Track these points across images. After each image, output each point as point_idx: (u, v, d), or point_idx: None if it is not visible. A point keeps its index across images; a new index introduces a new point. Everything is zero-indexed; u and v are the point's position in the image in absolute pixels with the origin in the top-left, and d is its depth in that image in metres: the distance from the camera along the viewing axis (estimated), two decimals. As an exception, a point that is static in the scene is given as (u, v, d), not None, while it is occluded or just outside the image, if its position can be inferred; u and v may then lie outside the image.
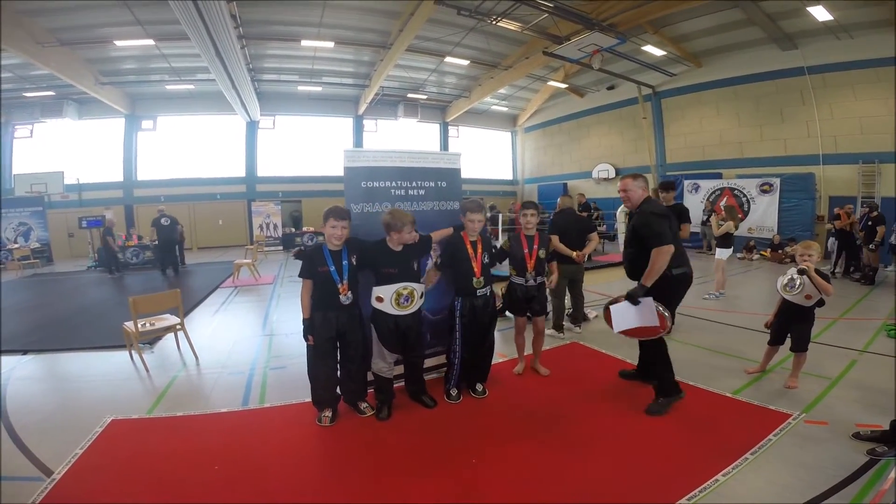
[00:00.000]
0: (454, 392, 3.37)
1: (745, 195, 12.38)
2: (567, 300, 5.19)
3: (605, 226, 15.18)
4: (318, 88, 16.44)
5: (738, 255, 11.05)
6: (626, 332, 3.13)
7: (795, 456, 2.56)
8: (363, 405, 3.17)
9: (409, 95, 17.71)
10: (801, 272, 3.32)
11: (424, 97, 18.13)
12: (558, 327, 5.01)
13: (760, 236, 11.89)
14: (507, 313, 4.38)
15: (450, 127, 20.59)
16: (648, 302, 3.01)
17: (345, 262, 2.95)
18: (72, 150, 15.91)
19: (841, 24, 10.03)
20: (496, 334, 4.66)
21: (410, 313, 3.06)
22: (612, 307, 3.17)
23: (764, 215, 11.98)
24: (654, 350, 3.24)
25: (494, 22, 10.32)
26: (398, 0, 10.48)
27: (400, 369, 3.33)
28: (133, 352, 4.39)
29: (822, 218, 11.23)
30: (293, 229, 17.04)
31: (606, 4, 10.15)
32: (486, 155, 21.55)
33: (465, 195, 4.07)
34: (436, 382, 3.53)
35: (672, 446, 2.73)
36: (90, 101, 14.67)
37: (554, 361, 4.20)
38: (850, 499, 2.20)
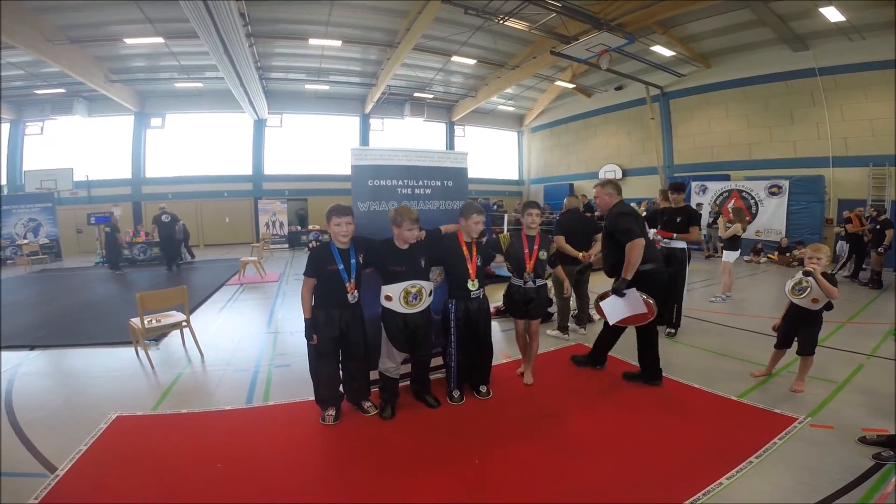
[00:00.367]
0: (456, 393, 3.36)
1: (753, 197, 12.27)
2: (572, 301, 5.17)
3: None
4: (326, 87, 16.50)
5: (745, 257, 10.97)
6: (622, 322, 3.45)
7: (800, 460, 2.54)
8: (367, 404, 3.17)
9: (416, 94, 17.72)
10: (807, 273, 3.30)
11: (431, 96, 18.14)
12: (563, 329, 4.99)
13: (768, 239, 11.79)
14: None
15: (456, 126, 20.58)
16: (633, 292, 3.35)
17: (353, 261, 2.95)
18: (81, 147, 16.07)
19: (853, 25, 9.92)
20: (501, 335, 4.65)
21: (419, 311, 3.05)
22: (601, 303, 3.50)
23: (772, 218, 11.88)
24: (648, 336, 3.56)
25: (502, 21, 10.31)
26: (405, -1, 10.49)
27: (406, 369, 3.33)
28: (139, 348, 4.42)
29: (831, 221, 11.12)
30: (299, 227, 17.14)
31: (615, 4, 10.10)
32: (492, 155, 21.53)
33: (470, 195, 4.05)
34: (439, 383, 3.53)
35: (676, 449, 2.71)
36: (100, 99, 14.81)
37: (558, 363, 4.19)
38: (854, 502, 2.17)
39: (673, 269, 5.04)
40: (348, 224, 2.91)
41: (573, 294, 5.10)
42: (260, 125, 17.55)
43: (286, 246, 16.27)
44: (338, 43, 12.36)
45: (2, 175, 14.97)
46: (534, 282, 3.51)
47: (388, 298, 3.01)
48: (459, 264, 3.23)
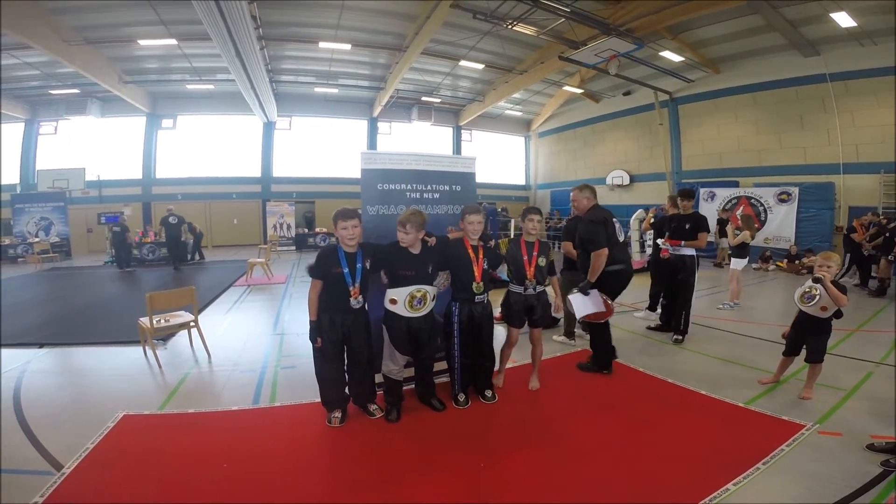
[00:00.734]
0: (462, 397, 3.35)
1: (762, 204, 12.17)
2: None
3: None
4: (335, 90, 16.62)
5: (754, 265, 10.87)
6: (585, 318, 3.87)
7: (808, 467, 2.52)
8: (372, 407, 3.18)
9: (424, 99, 17.81)
10: (817, 280, 3.28)
11: (438, 100, 18.21)
12: (569, 334, 4.97)
13: (777, 247, 11.67)
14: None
15: (463, 131, 20.64)
16: (595, 293, 3.82)
17: (358, 265, 2.95)
18: (94, 147, 16.30)
19: (865, 31, 9.84)
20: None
21: (422, 315, 3.06)
22: (570, 297, 3.87)
23: (781, 225, 11.77)
24: (600, 331, 3.99)
25: (510, 26, 10.33)
26: (415, 1, 10.54)
27: (409, 372, 3.33)
28: (147, 347, 4.46)
29: (842, 228, 11.00)
30: (306, 230, 17.23)
31: (624, 10, 10.10)
32: (499, 159, 21.54)
33: (477, 200, 4.06)
34: (444, 386, 3.53)
35: (681, 455, 2.69)
36: (113, 100, 15.03)
37: (565, 369, 4.18)
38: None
39: (682, 277, 5.02)
40: (354, 227, 2.91)
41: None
42: (269, 127, 17.71)
43: (293, 248, 16.35)
44: (347, 46, 12.45)
45: (0, 174, 14.93)
46: (534, 289, 3.47)
47: (393, 302, 3.02)
48: (465, 267, 3.22)
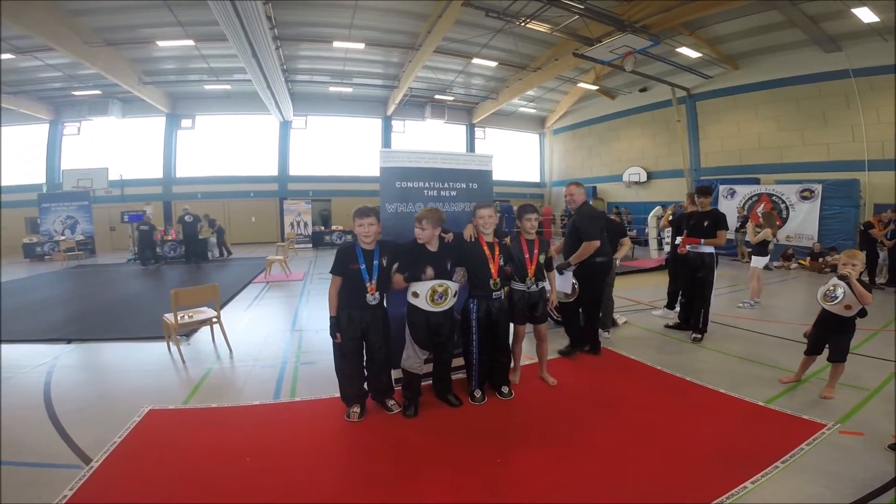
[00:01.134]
0: (478, 393, 3.37)
1: (783, 201, 11.92)
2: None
3: (634, 230, 14.88)
4: (349, 89, 16.74)
5: (776, 263, 10.66)
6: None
7: (827, 466, 2.49)
8: (390, 402, 3.22)
9: (437, 97, 17.83)
10: (843, 277, 3.22)
11: (451, 98, 18.22)
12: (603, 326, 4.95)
13: (799, 244, 11.43)
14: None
15: (476, 128, 20.62)
16: (569, 276, 4.15)
17: (375, 262, 3.00)
18: (116, 147, 16.69)
19: (888, 26, 9.57)
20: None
21: (442, 311, 3.10)
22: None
23: (804, 223, 11.53)
24: (569, 314, 4.40)
25: (523, 23, 10.27)
26: (427, 1, 10.56)
27: (427, 368, 3.36)
28: (171, 343, 4.57)
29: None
30: (322, 227, 17.41)
31: (639, 6, 9.97)
32: (513, 157, 21.46)
33: (493, 198, 4.08)
34: (461, 383, 3.55)
35: (700, 453, 2.68)
36: (133, 100, 15.37)
37: (582, 366, 4.17)
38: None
39: (701, 275, 4.97)
40: (370, 225, 2.97)
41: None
42: (285, 126, 17.93)
43: (310, 246, 16.55)
44: (361, 46, 12.54)
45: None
46: (536, 285, 3.50)
47: (416, 295, 3.06)
48: (482, 264, 3.24)
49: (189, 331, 5.06)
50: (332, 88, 16.70)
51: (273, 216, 17.83)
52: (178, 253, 12.75)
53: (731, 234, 11.65)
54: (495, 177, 4.05)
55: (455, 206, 3.70)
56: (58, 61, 12.34)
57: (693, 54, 12.26)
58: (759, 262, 6.59)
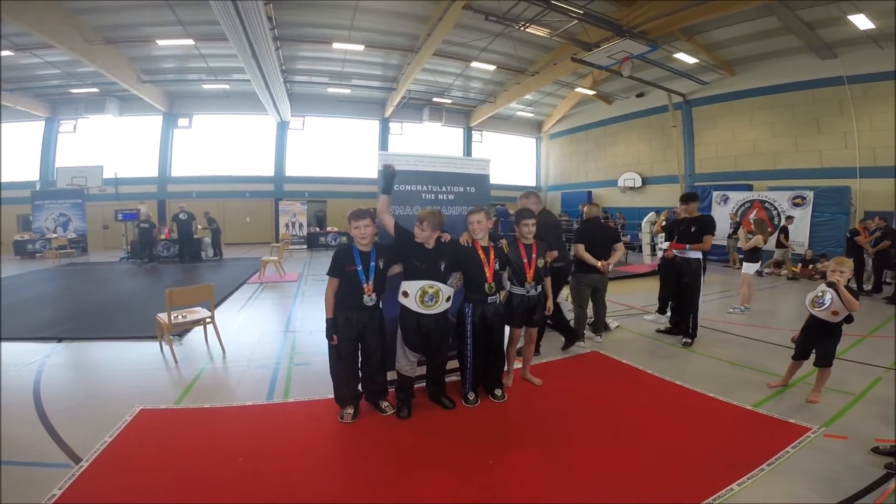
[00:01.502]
0: (471, 396, 3.39)
1: (776, 208, 12.03)
2: (589, 309, 5.17)
3: (628, 236, 14.95)
4: (347, 91, 16.75)
5: (766, 269, 10.75)
6: None
7: (812, 468, 2.55)
8: (384, 404, 3.24)
9: (435, 99, 17.87)
10: (831, 284, 3.28)
11: (450, 101, 18.26)
12: (580, 336, 4.98)
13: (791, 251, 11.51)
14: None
15: (473, 131, 20.67)
16: None
17: (372, 264, 3.02)
18: (112, 145, 16.62)
19: (883, 33, 9.70)
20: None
21: (434, 314, 3.10)
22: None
23: (795, 229, 11.60)
24: (559, 315, 4.63)
25: (522, 28, 10.33)
26: (427, 1, 10.60)
27: (421, 370, 3.39)
28: (163, 343, 4.56)
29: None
30: (317, 229, 17.38)
31: (637, 11, 10.05)
32: (510, 161, 21.50)
33: (491, 202, 4.12)
34: (455, 385, 3.57)
35: (687, 455, 2.72)
36: (131, 99, 15.32)
37: (574, 370, 4.21)
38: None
39: (686, 280, 5.02)
40: (366, 227, 2.99)
41: (591, 302, 5.09)
42: (283, 127, 17.91)
43: (305, 247, 16.52)
44: (360, 47, 12.56)
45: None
46: (535, 289, 3.53)
47: (405, 294, 3.08)
48: (477, 268, 3.26)
49: (182, 331, 5.05)
50: (331, 90, 16.70)
51: (268, 217, 17.79)
52: (172, 252, 12.69)
53: (723, 241, 11.78)
54: (492, 180, 4.08)
55: (452, 210, 3.72)
56: (56, 59, 12.31)
57: (690, 60, 12.36)
58: (750, 268, 6.66)
